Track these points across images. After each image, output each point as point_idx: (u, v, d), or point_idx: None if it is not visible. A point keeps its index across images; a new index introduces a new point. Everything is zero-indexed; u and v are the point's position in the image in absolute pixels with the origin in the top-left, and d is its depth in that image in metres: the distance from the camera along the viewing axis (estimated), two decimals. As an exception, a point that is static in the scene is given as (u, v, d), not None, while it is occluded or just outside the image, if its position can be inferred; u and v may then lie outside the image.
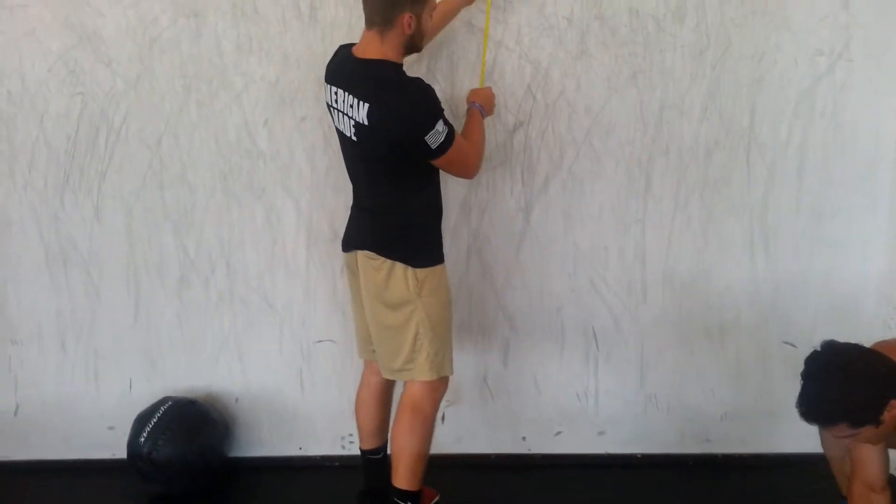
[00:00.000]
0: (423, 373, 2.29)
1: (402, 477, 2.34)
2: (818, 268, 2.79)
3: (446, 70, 2.57)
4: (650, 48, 2.59)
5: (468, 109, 2.37)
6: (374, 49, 2.11)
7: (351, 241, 2.37)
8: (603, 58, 2.59)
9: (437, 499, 2.61)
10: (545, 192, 2.70)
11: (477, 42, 2.52)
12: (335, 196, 2.65)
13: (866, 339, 2.76)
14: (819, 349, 1.95)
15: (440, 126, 2.06)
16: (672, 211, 2.72)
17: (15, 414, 2.86)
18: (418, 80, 2.12)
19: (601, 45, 2.58)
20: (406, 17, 2.06)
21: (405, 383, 2.37)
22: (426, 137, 2.05)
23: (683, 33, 2.58)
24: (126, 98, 2.58)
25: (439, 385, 2.35)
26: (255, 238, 2.71)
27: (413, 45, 2.14)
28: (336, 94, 2.17)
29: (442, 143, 2.08)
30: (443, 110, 2.10)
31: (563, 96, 2.62)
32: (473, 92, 2.43)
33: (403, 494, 2.35)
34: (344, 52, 2.21)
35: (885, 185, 2.73)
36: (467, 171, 2.30)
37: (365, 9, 2.11)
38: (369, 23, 2.11)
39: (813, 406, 1.91)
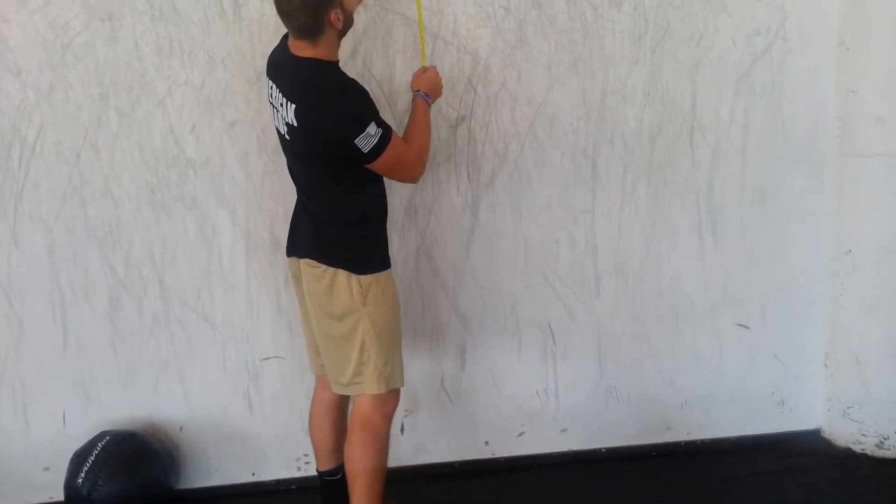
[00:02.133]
0: (371, 386, 2.18)
1: (360, 497, 2.22)
2: (765, 247, 2.80)
3: (383, 66, 2.49)
4: (589, 35, 2.56)
5: (412, 99, 2.25)
6: (307, 50, 2.01)
7: (293, 247, 2.26)
8: (542, 47, 2.55)
9: (398, 513, 2.52)
10: (492, 186, 2.63)
11: (413, 34, 2.44)
12: (273, 203, 2.53)
13: (816, 316, 2.83)
14: None
15: (372, 129, 1.95)
16: (620, 199, 2.69)
17: (-63, 459, 2.64)
18: (349, 81, 2.02)
19: (540, 34, 2.53)
20: (332, 16, 1.95)
21: (354, 398, 2.26)
22: (356, 140, 1.94)
23: (621, 18, 2.56)
24: (39, 110, 2.41)
25: (390, 398, 2.24)
26: (189, 252, 2.57)
27: (345, 29, 2.06)
28: (272, 88, 2.08)
29: (374, 146, 1.97)
30: (376, 111, 1.99)
31: (505, 88, 2.56)
32: (417, 77, 2.29)
33: (362, 516, 2.23)
34: (284, 43, 2.10)
35: (826, 161, 2.76)
36: (409, 174, 2.17)
37: (288, 27, 2.00)
38: (297, 37, 2.00)
39: None
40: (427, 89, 2.25)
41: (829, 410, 2.90)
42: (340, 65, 2.10)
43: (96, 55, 2.39)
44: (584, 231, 2.70)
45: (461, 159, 2.59)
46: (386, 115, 2.44)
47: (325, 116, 1.95)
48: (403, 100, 2.50)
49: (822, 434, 2.94)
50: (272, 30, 2.36)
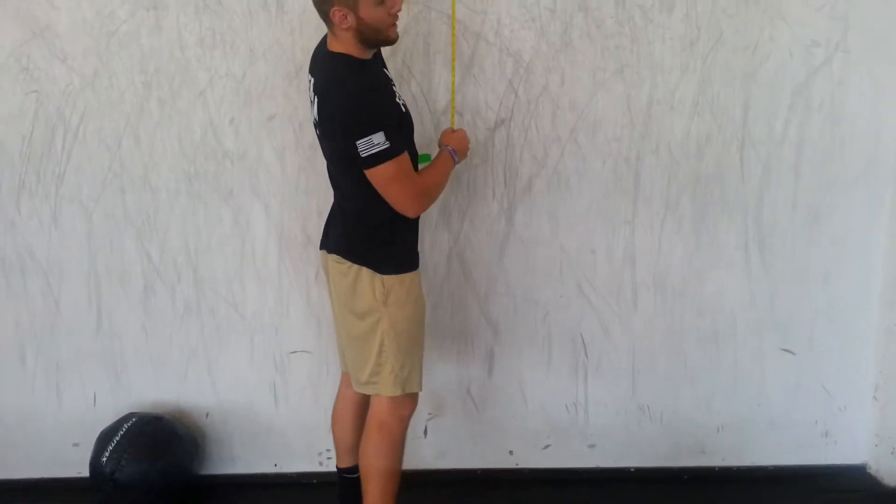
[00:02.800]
0: (387, 388, 2.15)
1: (372, 498, 2.20)
2: (816, 270, 2.65)
3: (423, 65, 2.45)
4: (637, 40, 2.46)
5: (440, 151, 2.20)
6: (335, 44, 1.99)
7: (326, 240, 2.25)
8: (588, 51, 2.46)
9: (416, 518, 2.48)
10: (529, 192, 2.56)
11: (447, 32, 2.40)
12: (307, 199, 2.52)
13: (867, 345, 2.68)
14: None
15: (378, 137, 1.88)
16: (662, 211, 2.59)
17: (-27, 431, 2.72)
18: (369, 82, 1.98)
19: (586, 38, 2.45)
20: (335, 13, 1.90)
21: (371, 398, 2.23)
22: (357, 142, 1.89)
23: (672, 24, 2.46)
24: (83, 96, 2.44)
25: (406, 402, 2.21)
26: (223, 243, 2.57)
27: (365, 38, 1.96)
28: (311, 83, 2.08)
29: (372, 155, 1.90)
30: (392, 123, 1.93)
31: (547, 92, 2.49)
32: (447, 135, 2.24)
33: (375, 518, 2.20)
34: (324, 38, 2.09)
35: (885, 183, 2.60)
36: (403, 201, 2.03)
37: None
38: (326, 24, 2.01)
39: None
40: (456, 146, 2.20)
41: (876, 446, 2.74)
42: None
43: (140, 44, 2.41)
44: (624, 242, 2.61)
45: (498, 163, 2.54)
46: (423, 115, 2.44)
47: (337, 112, 1.92)
48: (442, 99, 2.46)
49: (867, 470, 2.78)
50: (314, 24, 2.34)
